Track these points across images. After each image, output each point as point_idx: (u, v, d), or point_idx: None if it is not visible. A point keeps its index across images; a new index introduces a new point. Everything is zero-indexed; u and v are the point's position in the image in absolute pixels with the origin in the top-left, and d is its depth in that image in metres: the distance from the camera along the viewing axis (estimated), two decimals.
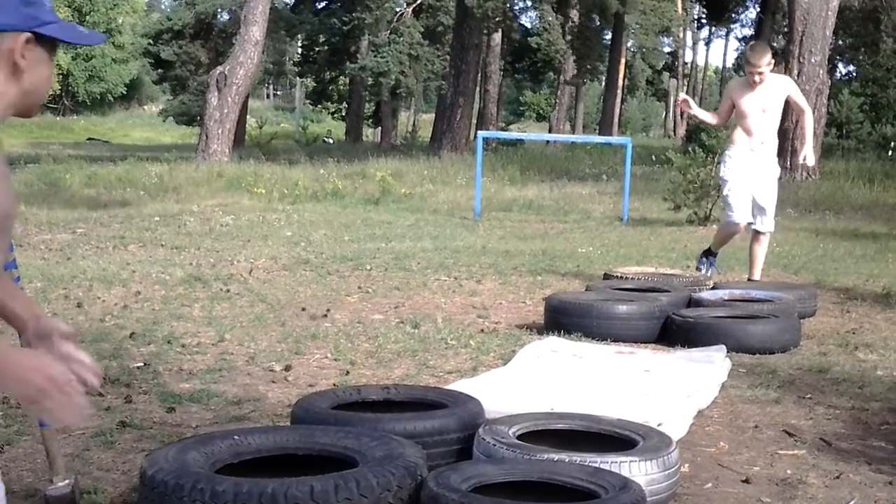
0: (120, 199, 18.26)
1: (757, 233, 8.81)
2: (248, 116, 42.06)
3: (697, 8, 57.72)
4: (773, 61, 8.34)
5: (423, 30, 42.20)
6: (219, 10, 47.95)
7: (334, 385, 5.38)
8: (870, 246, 13.82)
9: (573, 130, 51.36)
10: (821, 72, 23.15)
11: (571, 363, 6.01)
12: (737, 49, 72.75)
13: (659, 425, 4.27)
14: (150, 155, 28.44)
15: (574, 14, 44.51)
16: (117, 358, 5.85)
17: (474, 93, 37.27)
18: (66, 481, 3.57)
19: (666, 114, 73.43)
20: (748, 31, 63.80)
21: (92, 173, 21.96)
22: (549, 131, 47.14)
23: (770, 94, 8.44)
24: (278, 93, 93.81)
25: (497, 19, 34.06)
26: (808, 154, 8.68)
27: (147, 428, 4.51)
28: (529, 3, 48.43)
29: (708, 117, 9.17)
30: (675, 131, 61.48)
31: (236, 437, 3.47)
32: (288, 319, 7.32)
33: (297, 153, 30.14)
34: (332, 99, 58.77)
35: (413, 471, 3.17)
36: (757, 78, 8.27)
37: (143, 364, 5.76)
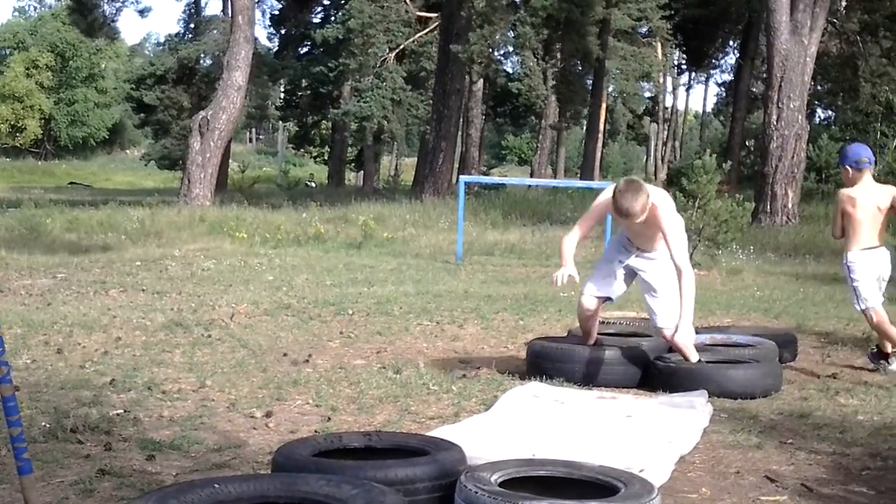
0: (101, 244, 18.20)
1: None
2: (230, 161, 42.14)
3: (677, 54, 58.27)
4: (647, 203, 6.47)
5: (405, 75, 42.45)
6: (201, 55, 48.13)
7: (316, 431, 5.36)
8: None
9: (555, 174, 51.56)
10: (800, 117, 23.40)
11: (553, 409, 6.00)
12: (716, 94, 73.33)
13: (641, 471, 4.26)
14: (132, 199, 28.42)
15: (556, 59, 44.87)
16: (97, 405, 5.82)
17: (456, 137, 37.44)
18: None
19: (647, 158, 73.82)
20: (728, 77, 64.45)
21: (73, 218, 21.90)
22: (531, 175, 47.37)
23: (650, 233, 6.85)
24: (261, 137, 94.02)
25: (481, 63, 34.32)
26: (680, 330, 6.69)
27: (127, 476, 4.47)
28: (511, 49, 48.79)
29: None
30: (655, 175, 61.84)
31: (217, 485, 3.45)
32: (269, 365, 7.29)
33: (280, 197, 30.18)
34: (314, 143, 58.96)
35: None
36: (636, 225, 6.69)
37: (122, 411, 5.72)
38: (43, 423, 5.29)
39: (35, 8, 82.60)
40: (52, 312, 9.59)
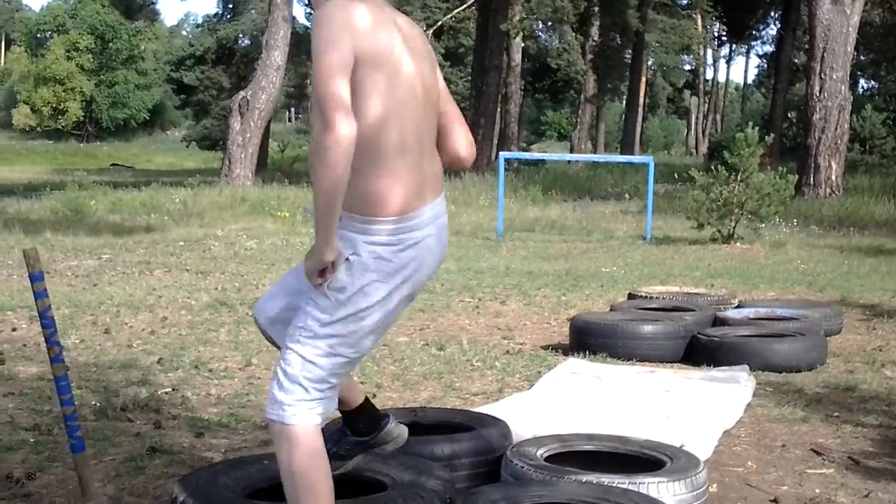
0: (144, 225, 18.36)
1: None
2: (270, 140, 42.26)
3: (718, 26, 57.71)
4: None
5: (444, 51, 42.40)
6: (240, 35, 48.32)
7: None
8: (895, 262, 13.75)
9: (595, 149, 51.34)
10: (843, 87, 23.11)
11: (592, 385, 6.00)
12: (757, 66, 72.72)
13: (682, 446, 4.26)
14: (174, 180, 28.59)
15: (594, 32, 44.63)
16: (145, 384, 5.89)
17: (495, 113, 37.34)
18: None
19: (688, 132, 73.32)
20: (769, 48, 63.80)
21: (116, 199, 22.09)
22: (571, 151, 47.16)
23: None
24: (300, 116, 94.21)
25: (528, 37, 34.29)
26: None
27: (177, 453, 4.54)
28: (549, 24, 48.52)
29: None
30: (696, 149, 61.45)
31: (266, 461, 3.50)
32: None
33: None
34: None
35: (441, 494, 3.19)
36: None
37: (171, 389, 5.79)
38: (93, 402, 5.38)
39: None
40: (99, 293, 9.71)
